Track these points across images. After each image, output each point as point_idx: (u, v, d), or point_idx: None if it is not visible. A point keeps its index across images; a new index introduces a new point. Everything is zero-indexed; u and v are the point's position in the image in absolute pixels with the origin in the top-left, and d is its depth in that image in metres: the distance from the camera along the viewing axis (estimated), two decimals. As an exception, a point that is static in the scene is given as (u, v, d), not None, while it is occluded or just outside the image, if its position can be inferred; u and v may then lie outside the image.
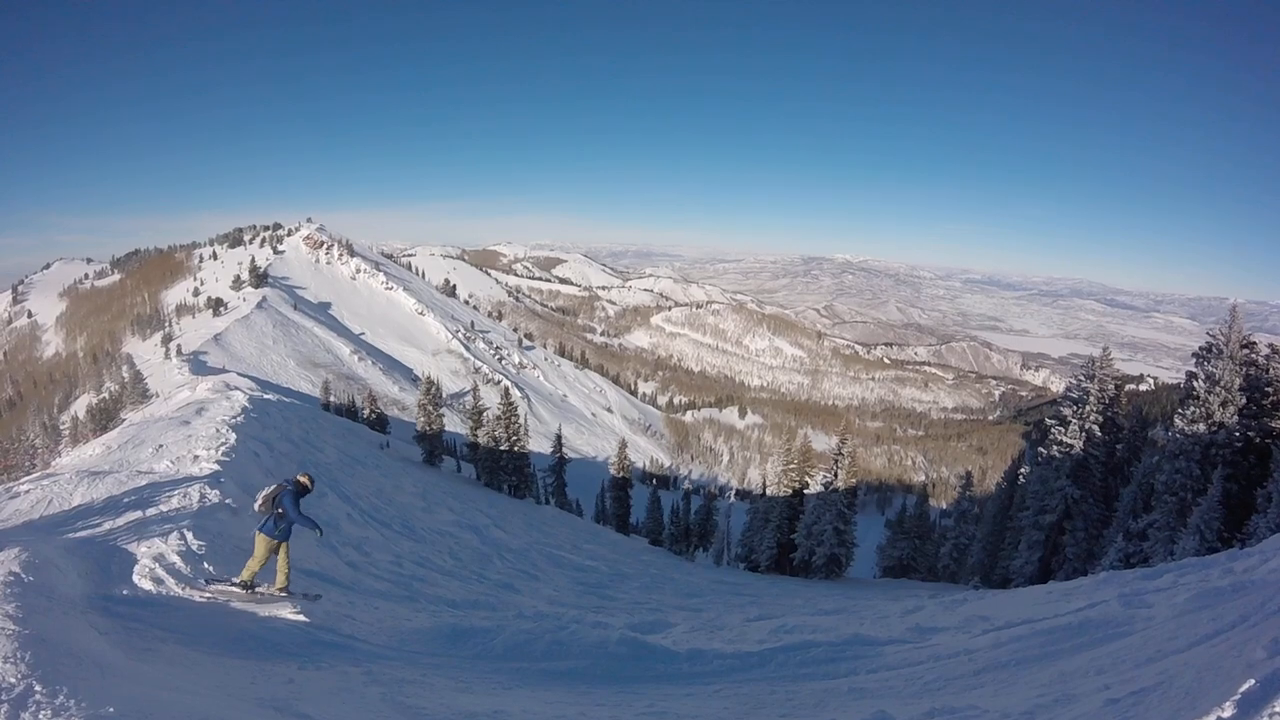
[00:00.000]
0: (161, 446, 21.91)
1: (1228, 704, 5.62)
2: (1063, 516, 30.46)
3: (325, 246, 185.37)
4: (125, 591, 10.09)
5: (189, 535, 12.36)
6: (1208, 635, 8.15)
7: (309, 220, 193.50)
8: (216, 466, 18.73)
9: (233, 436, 22.80)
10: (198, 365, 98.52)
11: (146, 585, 10.40)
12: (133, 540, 11.94)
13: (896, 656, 10.58)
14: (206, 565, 11.76)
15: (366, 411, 63.13)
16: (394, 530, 23.38)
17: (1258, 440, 23.45)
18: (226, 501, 15.44)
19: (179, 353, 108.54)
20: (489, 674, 10.01)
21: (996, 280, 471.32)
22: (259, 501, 11.40)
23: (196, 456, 19.82)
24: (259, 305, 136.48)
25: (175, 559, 11.33)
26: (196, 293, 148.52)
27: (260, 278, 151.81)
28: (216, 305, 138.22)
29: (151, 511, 14.02)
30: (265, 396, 40.98)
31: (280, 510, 11.29)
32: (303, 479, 11.97)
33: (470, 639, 11.28)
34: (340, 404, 74.21)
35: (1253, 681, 5.85)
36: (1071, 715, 6.81)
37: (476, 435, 44.54)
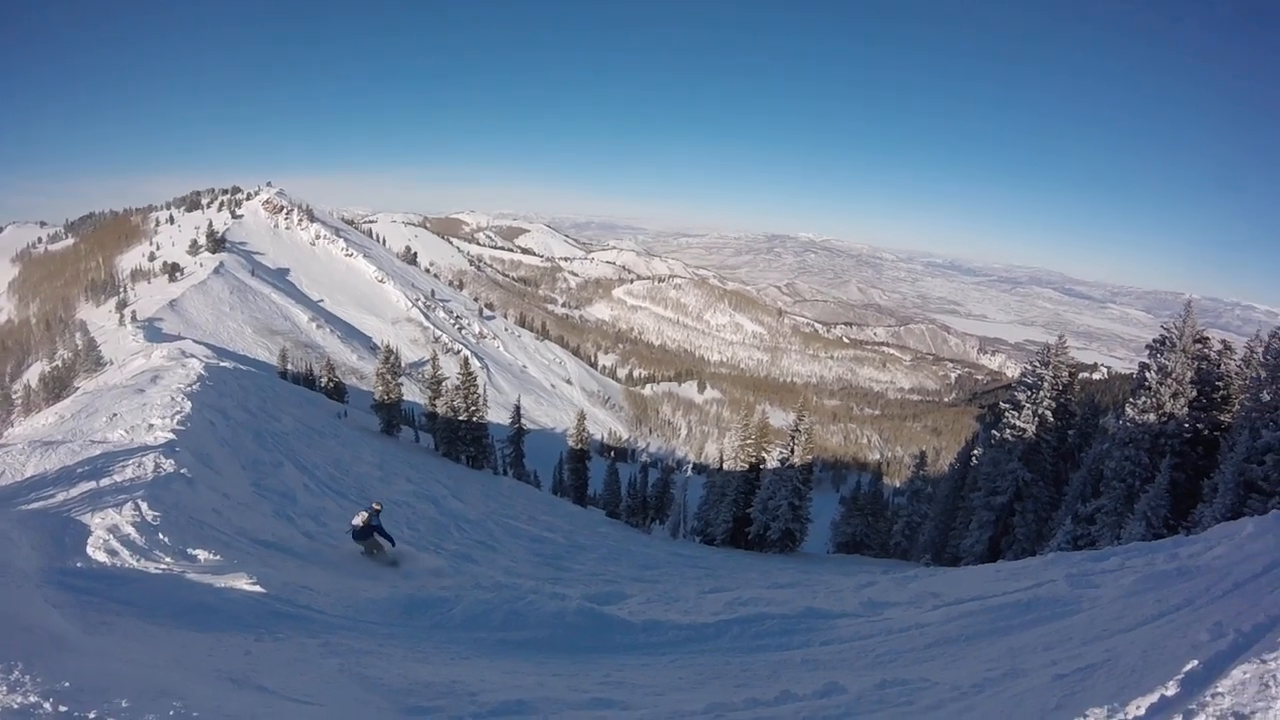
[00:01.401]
0: (116, 415, 21.63)
1: (1171, 683, 5.80)
2: (1013, 498, 31.09)
3: (285, 211, 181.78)
4: (80, 564, 9.94)
5: (144, 506, 12.20)
6: (1153, 616, 8.39)
7: (269, 184, 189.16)
8: (171, 435, 18.53)
9: (188, 405, 22.53)
10: (153, 332, 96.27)
11: (101, 557, 10.25)
12: (87, 511, 11.78)
13: (849, 629, 10.77)
14: (162, 536, 11.62)
15: (324, 380, 62.17)
16: (351, 500, 23.18)
17: (1206, 432, 24.25)
18: (181, 471, 15.26)
19: (134, 319, 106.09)
20: (446, 644, 10.02)
21: (957, 265, 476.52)
22: (359, 520, 15.54)
23: (151, 425, 19.58)
24: (216, 271, 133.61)
25: (130, 530, 11.18)
26: (152, 257, 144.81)
27: (218, 243, 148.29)
28: (173, 270, 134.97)
29: (105, 482, 13.84)
30: (221, 364, 40.32)
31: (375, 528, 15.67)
32: (377, 506, 16.05)
33: (428, 609, 11.25)
34: (298, 372, 73.20)
35: (1196, 662, 6.04)
36: (1019, 689, 6.99)
37: (435, 405, 44.19)
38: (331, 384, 60.00)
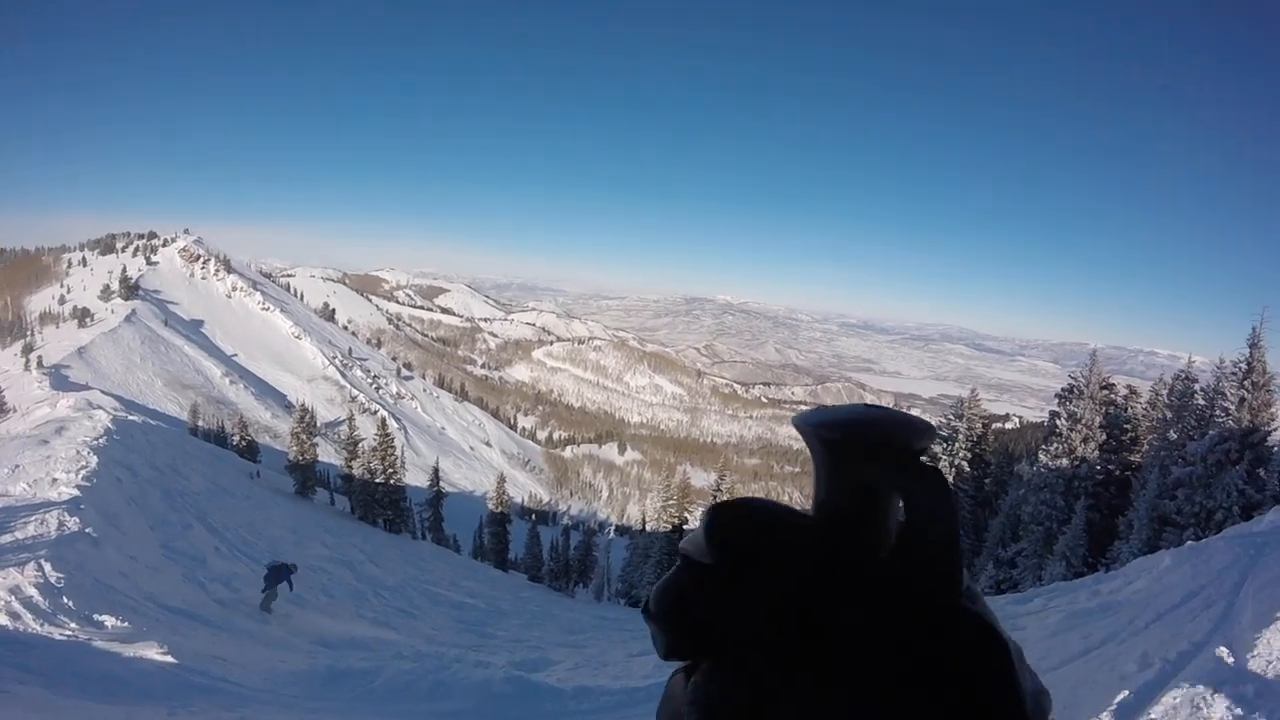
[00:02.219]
0: (18, 467, 20.57)
1: (1105, 714, 5.92)
2: (934, 548, 31.52)
3: (202, 261, 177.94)
4: (-23, 627, 9.39)
5: (46, 566, 11.60)
6: (1080, 653, 8.56)
7: (186, 231, 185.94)
8: (76, 491, 17.71)
9: (94, 460, 21.57)
10: (59, 380, 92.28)
11: (1, 620, 9.70)
12: (-15, 570, 11.15)
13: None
14: (66, 600, 11.04)
15: (236, 438, 60.33)
16: (264, 565, 22.41)
17: (1118, 473, 25.48)
18: (87, 530, 14.60)
19: (40, 365, 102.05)
20: (371, 717, 9.72)
21: (871, 324, 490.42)
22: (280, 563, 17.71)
23: (55, 479, 18.71)
24: (128, 319, 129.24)
25: (32, 592, 10.61)
26: (63, 300, 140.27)
27: (131, 289, 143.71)
28: (83, 316, 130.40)
29: (6, 539, 13.19)
30: (130, 418, 38.68)
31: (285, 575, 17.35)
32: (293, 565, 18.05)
33: (348, 681, 10.90)
34: (209, 429, 71.02)
35: (1127, 693, 6.19)
36: (954, 734, 7.01)
37: (351, 466, 43.12)
38: (244, 442, 58.30)
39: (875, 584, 0.51)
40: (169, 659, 9.82)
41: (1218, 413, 20.50)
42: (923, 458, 0.59)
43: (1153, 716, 5.56)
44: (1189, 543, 13.02)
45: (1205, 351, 48.83)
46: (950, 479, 30.49)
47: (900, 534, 0.54)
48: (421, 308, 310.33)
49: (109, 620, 11.25)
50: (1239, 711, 5.53)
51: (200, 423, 72.04)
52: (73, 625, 10.42)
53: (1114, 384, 27.41)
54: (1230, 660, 6.21)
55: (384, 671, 11.05)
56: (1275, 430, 19.92)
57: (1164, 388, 26.70)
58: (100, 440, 25.91)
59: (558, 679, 11.65)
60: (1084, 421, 25.32)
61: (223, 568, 19.66)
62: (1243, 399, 19.90)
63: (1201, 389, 22.99)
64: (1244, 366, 20.36)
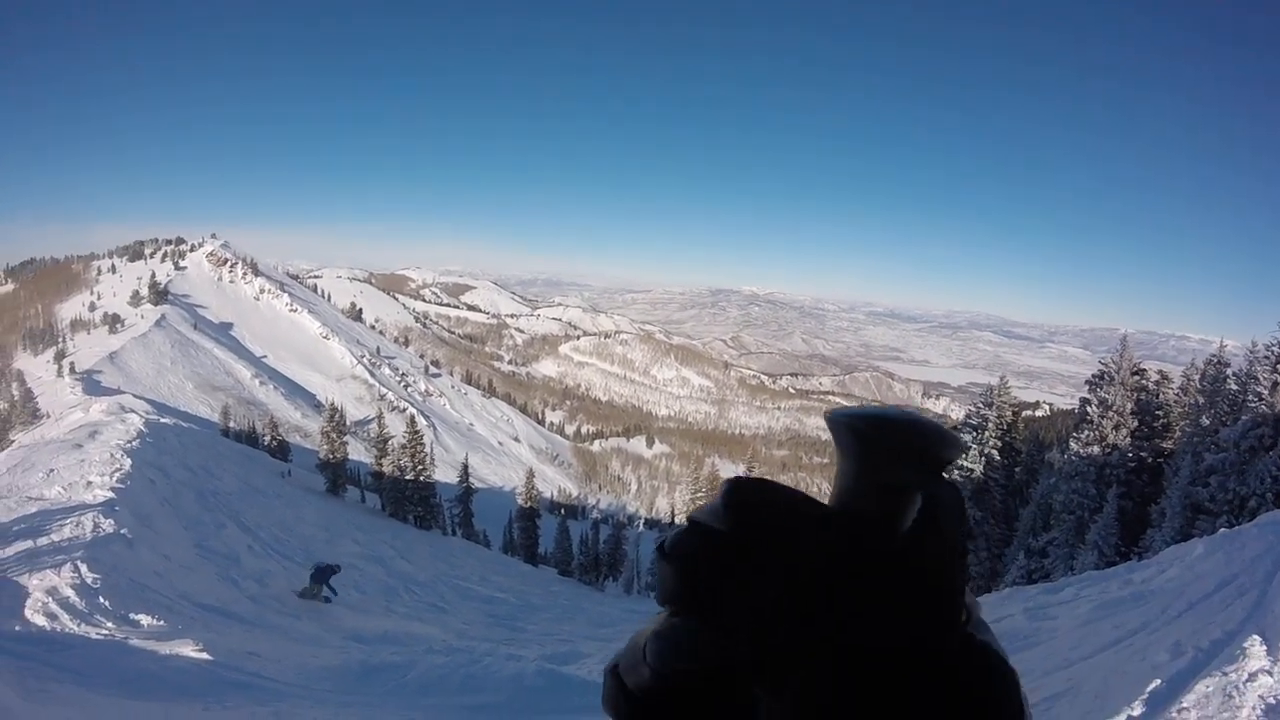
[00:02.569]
0: (53, 471, 20.87)
1: (1137, 703, 5.86)
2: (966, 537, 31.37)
3: (229, 264, 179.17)
4: (17, 627, 9.57)
5: (83, 567, 11.81)
6: (1111, 642, 8.48)
7: (213, 236, 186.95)
8: (111, 494, 17.94)
9: (128, 462, 21.86)
10: (91, 385, 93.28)
11: (39, 620, 9.88)
12: (24, 572, 11.37)
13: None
14: (102, 600, 11.22)
15: (267, 438, 61.00)
16: (296, 562, 22.57)
17: (1150, 460, 25.08)
18: (122, 531, 14.80)
19: (72, 370, 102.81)
20: (403, 711, 9.76)
21: (898, 313, 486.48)
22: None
23: (90, 483, 18.95)
24: (158, 323, 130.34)
25: (69, 593, 10.80)
26: (93, 307, 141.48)
27: (160, 294, 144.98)
28: (113, 322, 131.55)
29: (43, 541, 13.39)
30: (162, 420, 39.14)
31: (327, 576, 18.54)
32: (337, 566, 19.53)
33: (381, 675, 10.95)
34: (240, 429, 71.43)
35: (1159, 681, 6.12)
36: (985, 725, 6.96)
37: (381, 464, 43.45)
38: (275, 442, 58.88)
39: (885, 584, 0.51)
40: (204, 656, 9.94)
41: (1250, 398, 20.20)
42: (947, 471, 0.59)
43: (1185, 706, 5.50)
44: (1222, 530, 12.85)
45: (1237, 335, 48.06)
46: (980, 468, 30.45)
47: (907, 538, 0.54)
48: (448, 305, 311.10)
49: (144, 619, 11.41)
50: (1272, 700, 5.46)
51: (231, 424, 72.72)
52: (109, 625, 10.58)
53: (1145, 370, 26.99)
54: (1263, 649, 6.13)
55: (416, 666, 11.11)
56: None
57: (1196, 373, 26.35)
58: (133, 443, 26.23)
59: (588, 671, 11.68)
60: (1115, 408, 25.03)
61: (256, 565, 19.91)
62: (1276, 383, 19.61)
63: (1234, 374, 22.69)
64: (1276, 350, 20.10)
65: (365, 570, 24.99)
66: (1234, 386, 22.09)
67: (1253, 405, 19.90)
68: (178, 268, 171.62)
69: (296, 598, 18.43)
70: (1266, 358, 20.43)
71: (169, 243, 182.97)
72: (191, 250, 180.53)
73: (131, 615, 11.33)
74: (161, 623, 11.47)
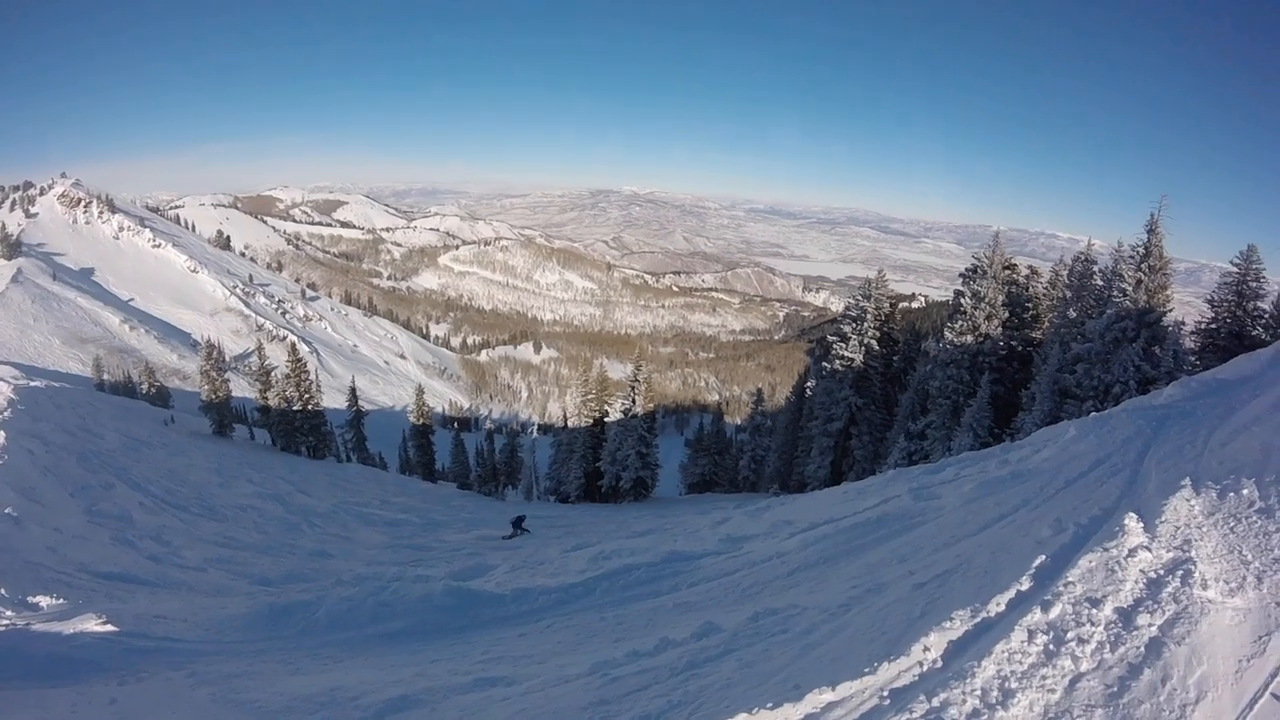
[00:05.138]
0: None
1: (1024, 578, 6.26)
2: (849, 423, 32.86)
3: (83, 204, 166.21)
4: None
5: (-33, 552, 11.14)
6: (995, 519, 9.02)
7: (64, 175, 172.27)
8: (-11, 471, 16.88)
9: (1, 435, 20.55)
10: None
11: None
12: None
13: (714, 567, 11.13)
14: (-6, 586, 10.66)
15: (145, 386, 58.70)
16: (192, 513, 21.82)
17: (1020, 349, 27.03)
18: (6, 511, 14.05)
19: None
20: (318, 649, 9.72)
21: (778, 210, 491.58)
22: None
23: (-37, 461, 17.74)
24: (14, 279, 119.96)
25: (-41, 585, 10.19)
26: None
27: (12, 247, 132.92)
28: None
29: (-80, 531, 12.56)
30: (32, 384, 36.55)
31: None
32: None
33: (291, 616, 10.82)
34: (116, 381, 68.35)
35: (1044, 557, 6.54)
36: (884, 602, 7.40)
37: (266, 398, 41.95)
38: (153, 389, 56.89)
39: None
40: (110, 628, 9.52)
41: (1115, 293, 21.65)
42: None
43: (1070, 580, 5.89)
44: (1092, 414, 13.67)
45: (1104, 236, 50.49)
46: (861, 357, 31.68)
47: None
48: (320, 224, 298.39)
49: (44, 600, 10.96)
50: (1153, 575, 5.90)
51: (106, 376, 69.63)
52: (9, 613, 10.14)
53: (1016, 264, 28.82)
54: (1140, 525, 6.58)
55: (325, 601, 11.01)
56: (1170, 311, 21.20)
57: (1064, 269, 28.29)
58: (5, 413, 24.48)
59: (496, 584, 11.85)
60: (987, 300, 26.54)
61: (151, 523, 19.08)
62: (1140, 281, 20.97)
63: (1100, 271, 24.53)
64: (1142, 250, 21.42)
65: (264, 509, 24.38)
66: (1100, 283, 23.91)
67: (1118, 300, 21.34)
68: (28, 215, 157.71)
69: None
70: (1131, 257, 21.74)
71: (16, 189, 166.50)
72: (41, 194, 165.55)
73: (30, 599, 10.85)
74: (62, 601, 11.02)
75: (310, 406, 41.93)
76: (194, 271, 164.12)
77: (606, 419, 41.73)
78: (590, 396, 42.86)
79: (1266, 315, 21.11)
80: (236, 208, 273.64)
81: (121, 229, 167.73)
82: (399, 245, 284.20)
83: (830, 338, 34.88)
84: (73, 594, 11.73)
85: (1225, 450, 8.20)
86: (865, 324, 32.48)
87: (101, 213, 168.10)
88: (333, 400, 56.91)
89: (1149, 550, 6.15)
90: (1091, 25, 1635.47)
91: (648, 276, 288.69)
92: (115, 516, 18.23)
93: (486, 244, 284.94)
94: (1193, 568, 5.88)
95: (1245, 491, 6.90)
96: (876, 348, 32.51)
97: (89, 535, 16.09)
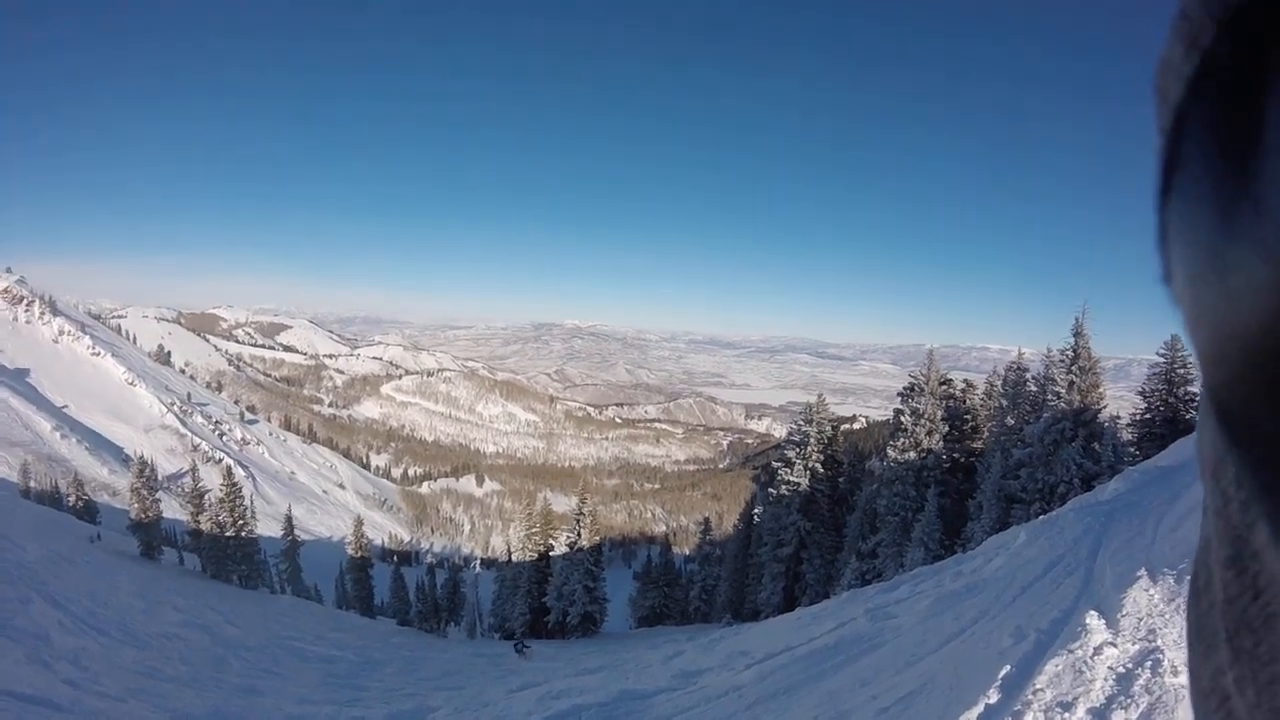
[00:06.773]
0: None
1: (992, 690, 6.13)
2: (798, 548, 32.77)
3: (25, 303, 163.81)
4: None
5: None
6: (955, 634, 8.90)
7: (8, 271, 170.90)
8: (-109, 583, 15.98)
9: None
10: None
11: None
12: None
13: (668, 705, 10.74)
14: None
15: (72, 498, 56.29)
16: (114, 638, 20.70)
17: (962, 460, 27.68)
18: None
19: None
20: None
21: (717, 340, 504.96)
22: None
23: None
24: None
25: None
26: None
27: None
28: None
29: None
30: (-49, 486, 35.29)
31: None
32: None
33: (218, 757, 10.18)
34: (42, 490, 65.48)
35: (1009, 666, 6.44)
36: (849, 730, 7.14)
37: (198, 521, 40.39)
38: (81, 502, 54.65)
39: None
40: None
41: (1049, 397, 22.58)
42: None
43: (1039, 686, 5.79)
44: (1040, 518, 13.84)
45: (1033, 344, 52.28)
46: (806, 481, 31.87)
47: None
48: (263, 346, 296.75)
49: None
50: (1121, 670, 5.83)
51: (32, 483, 66.68)
52: None
53: (951, 379, 29.83)
54: (1102, 623, 6.57)
55: (256, 742, 10.40)
56: (1104, 407, 22.21)
57: (998, 379, 29.27)
58: None
59: (436, 727, 11.31)
60: (926, 415, 27.24)
61: (70, 644, 18.03)
62: (1072, 382, 21.94)
63: (1033, 377, 25.52)
64: (1070, 354, 22.57)
65: (190, 640, 23.17)
66: (1033, 388, 24.84)
67: (1052, 403, 22.25)
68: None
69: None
70: (1062, 361, 22.70)
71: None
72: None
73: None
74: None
75: (244, 534, 40.48)
76: (132, 384, 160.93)
77: (552, 553, 40.94)
78: (534, 530, 42.26)
79: (1198, 399, 21.89)
80: (180, 323, 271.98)
81: (62, 332, 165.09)
82: (341, 372, 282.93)
83: (775, 464, 35.03)
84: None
85: (1176, 535, 8.32)
86: (809, 448, 32.82)
87: (43, 313, 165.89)
88: (268, 528, 55.23)
89: (1114, 645, 6.11)
90: (1003, 144, 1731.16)
91: (591, 409, 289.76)
92: (31, 634, 17.15)
93: (430, 375, 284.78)
94: (1161, 656, 5.82)
95: (1201, 575, 6.90)
96: (822, 470, 32.78)
97: (3, 652, 15.18)
